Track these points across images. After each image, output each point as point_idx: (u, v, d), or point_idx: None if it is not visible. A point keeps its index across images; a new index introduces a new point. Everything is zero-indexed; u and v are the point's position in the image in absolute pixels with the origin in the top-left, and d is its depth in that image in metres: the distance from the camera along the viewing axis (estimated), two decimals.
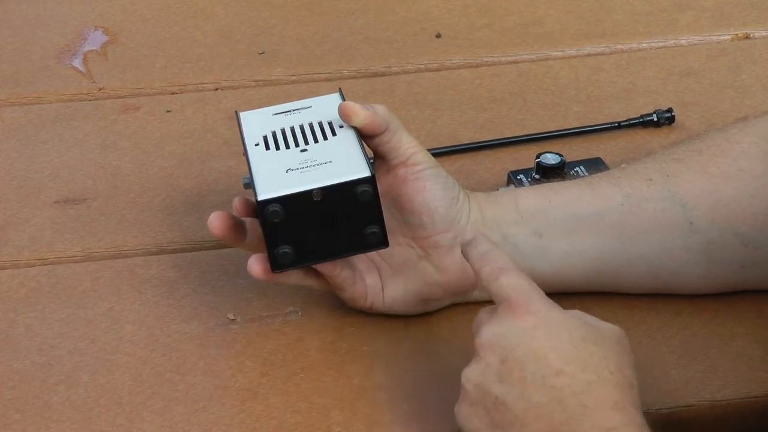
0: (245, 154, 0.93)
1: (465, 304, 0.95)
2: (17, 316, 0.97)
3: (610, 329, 0.82)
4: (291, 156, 0.91)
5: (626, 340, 0.82)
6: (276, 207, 0.87)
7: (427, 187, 0.92)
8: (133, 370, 0.92)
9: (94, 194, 1.09)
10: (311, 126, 0.93)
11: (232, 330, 0.95)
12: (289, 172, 0.89)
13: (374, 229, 0.88)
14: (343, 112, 0.91)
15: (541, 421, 0.78)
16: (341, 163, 0.89)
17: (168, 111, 1.18)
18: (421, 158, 0.92)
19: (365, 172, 0.88)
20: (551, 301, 0.82)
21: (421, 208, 0.92)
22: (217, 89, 1.21)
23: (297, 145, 0.92)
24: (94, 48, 1.27)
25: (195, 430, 0.88)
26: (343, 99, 0.95)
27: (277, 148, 0.92)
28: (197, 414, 0.89)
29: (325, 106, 0.95)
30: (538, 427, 0.78)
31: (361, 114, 0.91)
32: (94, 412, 0.89)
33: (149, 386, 0.91)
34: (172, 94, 1.21)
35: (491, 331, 0.81)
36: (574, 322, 0.81)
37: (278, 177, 0.89)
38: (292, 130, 0.93)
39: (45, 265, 1.02)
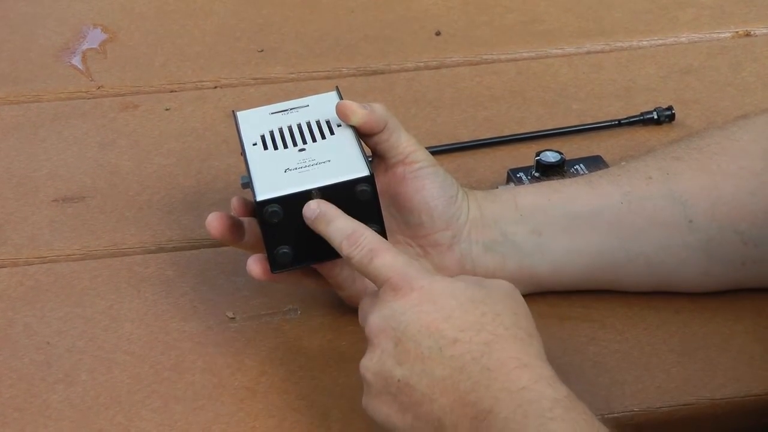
0: (243, 153, 0.92)
1: None
2: (16, 314, 0.97)
3: (497, 284, 0.82)
4: (289, 156, 0.91)
5: (516, 292, 0.82)
6: (275, 207, 0.87)
7: (425, 185, 0.92)
8: (131, 369, 0.92)
9: (93, 192, 1.09)
10: (309, 125, 0.93)
11: (231, 328, 0.95)
12: (288, 172, 0.89)
13: (374, 228, 0.88)
14: (340, 111, 0.91)
15: (448, 393, 0.77)
16: (340, 162, 0.89)
17: (167, 109, 1.18)
18: (420, 156, 0.92)
19: (364, 172, 0.87)
20: (431, 270, 0.82)
21: (420, 206, 0.92)
22: (216, 87, 1.21)
23: (295, 144, 0.92)
24: (93, 46, 1.27)
25: (194, 428, 0.88)
26: (341, 97, 0.95)
27: (275, 147, 0.92)
28: (196, 412, 0.89)
29: (322, 105, 0.95)
30: (446, 400, 0.77)
31: (359, 113, 0.91)
32: (92, 410, 0.89)
33: (148, 384, 0.91)
34: (171, 92, 1.21)
35: (378, 315, 0.81)
36: (459, 286, 0.80)
37: (277, 177, 0.89)
38: (290, 129, 0.93)
39: (44, 263, 1.02)
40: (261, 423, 0.88)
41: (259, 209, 0.87)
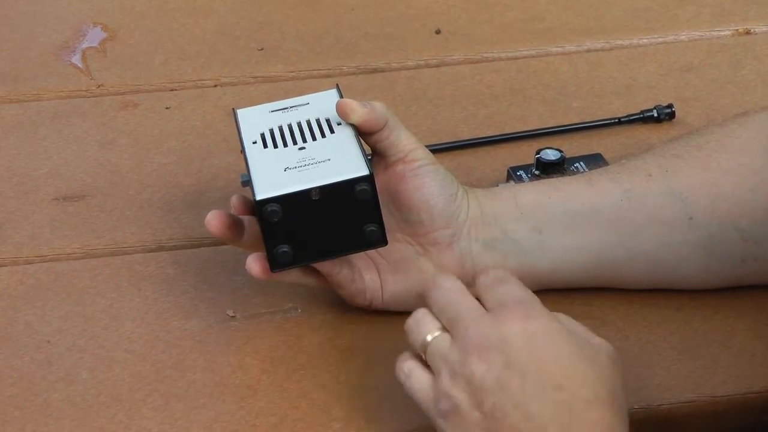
0: (243, 152, 0.92)
1: None
2: (16, 313, 0.97)
3: (603, 346, 0.81)
4: (289, 154, 0.91)
5: (618, 358, 0.81)
6: (274, 206, 0.87)
7: (425, 183, 0.92)
8: (132, 367, 0.92)
9: (93, 191, 1.09)
10: (309, 123, 0.93)
11: (232, 327, 0.95)
12: (288, 170, 0.89)
13: (373, 228, 0.88)
14: (340, 110, 0.91)
15: None
16: (340, 161, 0.89)
17: (167, 108, 1.18)
18: (420, 155, 0.92)
19: (364, 171, 0.87)
20: (549, 310, 0.80)
21: (420, 204, 0.92)
22: (216, 86, 1.21)
23: (295, 143, 0.92)
24: (92, 45, 1.27)
25: (195, 426, 0.88)
26: (341, 95, 0.95)
27: (275, 146, 0.92)
28: (197, 411, 0.89)
29: (322, 103, 0.95)
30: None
31: (359, 111, 0.91)
32: (93, 409, 0.89)
33: (149, 383, 0.91)
34: (171, 90, 1.21)
35: (489, 330, 0.78)
36: (573, 339, 0.79)
37: (276, 176, 0.89)
38: (290, 127, 0.93)
39: (44, 262, 1.02)
40: (262, 421, 0.88)
41: (258, 208, 0.87)
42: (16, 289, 0.99)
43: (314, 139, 0.92)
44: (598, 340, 0.81)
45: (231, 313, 0.96)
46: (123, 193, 1.08)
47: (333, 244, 0.88)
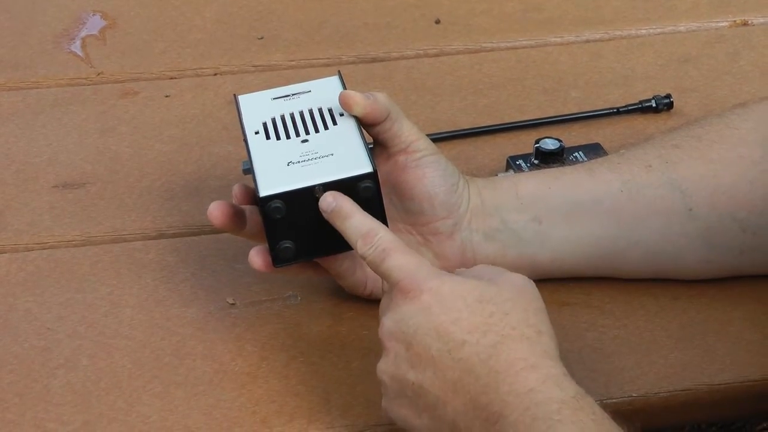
0: (245, 141, 0.92)
1: None
2: (16, 300, 0.97)
3: (509, 280, 0.82)
4: (292, 147, 0.91)
5: (529, 287, 0.82)
6: (278, 203, 0.87)
7: (427, 174, 0.92)
8: (132, 354, 0.92)
9: (93, 179, 1.09)
10: (311, 113, 0.93)
11: (232, 314, 0.96)
12: (291, 165, 0.89)
13: None
14: (343, 101, 0.91)
15: (460, 395, 0.78)
16: (343, 156, 0.89)
17: (167, 96, 1.18)
18: (422, 145, 0.92)
19: (368, 168, 0.87)
20: (441, 272, 0.82)
21: (421, 195, 0.92)
22: (216, 74, 1.21)
23: (297, 134, 0.91)
24: (92, 33, 1.27)
25: (195, 413, 0.88)
26: (343, 82, 0.95)
27: (278, 137, 0.92)
28: (197, 397, 0.89)
29: (324, 91, 0.95)
30: (459, 402, 0.78)
31: (362, 103, 0.91)
32: (93, 395, 0.89)
33: (149, 370, 0.91)
34: (171, 79, 1.21)
35: (390, 319, 0.81)
36: (469, 285, 0.81)
37: (280, 171, 0.89)
38: (292, 117, 0.93)
39: (44, 249, 1.02)
40: (262, 408, 0.88)
41: (262, 205, 0.87)
42: (16, 276, 1.00)
43: (317, 131, 0.91)
44: (504, 277, 0.82)
45: (231, 301, 0.96)
46: (123, 180, 1.08)
47: (335, 241, 0.88)
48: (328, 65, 1.22)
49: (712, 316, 0.94)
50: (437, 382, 0.79)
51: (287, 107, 0.94)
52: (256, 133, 0.92)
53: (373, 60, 1.23)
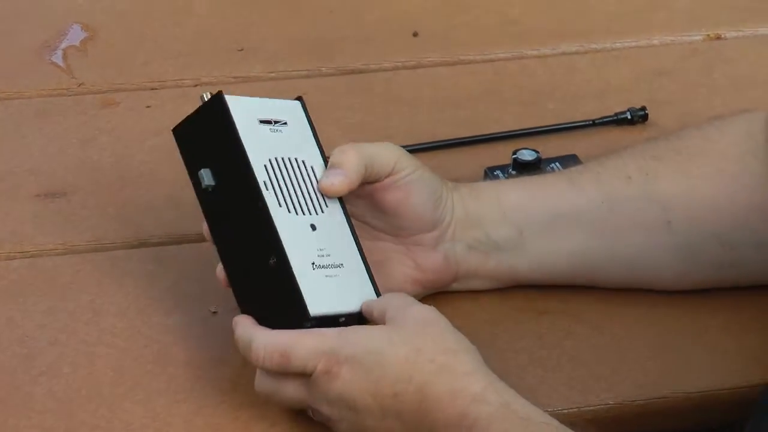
0: (249, 166, 0.86)
1: (444, 293, 0.96)
2: None
3: (411, 317, 0.83)
4: (305, 232, 0.87)
5: (432, 314, 0.83)
6: (313, 322, 0.84)
7: (412, 191, 0.92)
8: (114, 362, 0.93)
9: (75, 188, 1.09)
10: (302, 171, 0.88)
11: (213, 322, 0.96)
12: (316, 269, 0.86)
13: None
14: (324, 192, 0.89)
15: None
16: (352, 273, 0.87)
17: (148, 106, 1.19)
18: (404, 164, 0.91)
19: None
20: (344, 335, 0.83)
21: (406, 213, 0.92)
22: (196, 85, 1.22)
23: (303, 211, 0.87)
24: (73, 44, 1.27)
25: (177, 420, 0.88)
26: (305, 111, 0.91)
27: (288, 209, 0.86)
28: (179, 404, 0.89)
29: (296, 127, 0.90)
30: None
31: (341, 188, 0.88)
32: (75, 402, 0.90)
33: (131, 377, 0.91)
34: (152, 89, 1.21)
35: (326, 402, 0.83)
36: (376, 337, 0.82)
37: (317, 279, 0.85)
38: (291, 174, 0.88)
39: (26, 258, 1.02)
40: (243, 414, 0.88)
41: (301, 321, 0.84)
42: None
43: (316, 211, 0.88)
44: (404, 316, 0.83)
45: (213, 309, 0.97)
46: (104, 190, 1.09)
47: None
48: (307, 77, 1.22)
49: (689, 324, 0.95)
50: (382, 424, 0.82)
51: (278, 148, 0.88)
52: (265, 185, 0.86)
53: (352, 72, 1.24)
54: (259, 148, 0.87)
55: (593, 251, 0.94)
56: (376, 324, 0.85)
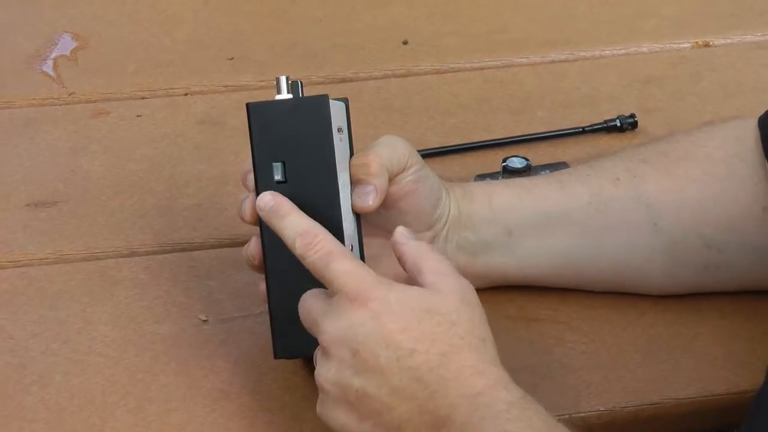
0: (336, 177, 0.85)
1: None
2: None
3: (451, 290, 0.81)
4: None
5: (470, 296, 0.82)
6: None
7: (418, 188, 0.92)
8: (105, 371, 0.93)
9: (66, 197, 1.09)
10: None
11: (204, 331, 0.96)
12: None
13: None
14: (359, 211, 0.89)
15: (407, 402, 0.79)
16: None
17: (138, 115, 1.19)
18: (415, 159, 0.92)
19: None
20: (387, 280, 0.81)
21: (409, 208, 0.92)
22: (186, 94, 1.22)
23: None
24: (64, 53, 1.28)
25: (168, 429, 0.88)
26: (347, 113, 0.91)
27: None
28: (170, 413, 0.89)
29: (346, 134, 0.90)
30: (406, 408, 0.79)
31: (374, 206, 0.88)
32: (67, 411, 0.90)
33: (122, 386, 0.92)
34: (142, 98, 1.22)
35: (335, 326, 0.80)
36: (414, 295, 0.81)
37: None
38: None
39: (17, 267, 1.03)
40: (234, 423, 0.89)
41: None
42: None
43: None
44: (447, 285, 0.82)
45: (203, 317, 0.97)
46: (95, 199, 1.09)
47: None
48: None
49: (678, 331, 0.95)
50: (384, 389, 0.79)
51: (343, 156, 0.88)
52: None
53: (342, 80, 1.24)
54: (339, 157, 0.87)
55: (581, 250, 0.95)
56: (388, 262, 0.85)
